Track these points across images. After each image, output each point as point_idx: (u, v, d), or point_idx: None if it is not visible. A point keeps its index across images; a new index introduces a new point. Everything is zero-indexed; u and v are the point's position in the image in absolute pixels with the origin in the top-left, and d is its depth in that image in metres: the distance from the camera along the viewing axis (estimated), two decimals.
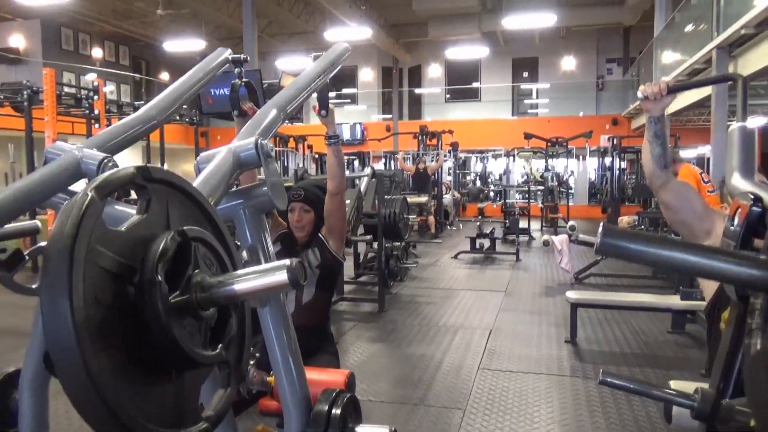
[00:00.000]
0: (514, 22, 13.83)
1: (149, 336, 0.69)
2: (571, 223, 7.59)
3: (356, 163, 17.53)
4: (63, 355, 0.60)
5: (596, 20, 16.77)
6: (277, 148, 13.19)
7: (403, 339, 4.99)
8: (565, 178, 16.16)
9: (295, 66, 17.03)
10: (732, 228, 1.21)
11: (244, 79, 1.83)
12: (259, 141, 1.38)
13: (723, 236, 1.28)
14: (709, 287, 2.05)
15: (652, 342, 4.90)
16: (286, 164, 13.24)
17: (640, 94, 1.82)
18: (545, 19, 13.65)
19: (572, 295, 4.97)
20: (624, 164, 15.06)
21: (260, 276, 0.80)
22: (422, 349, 4.69)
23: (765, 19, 6.35)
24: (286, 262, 0.79)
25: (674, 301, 4.74)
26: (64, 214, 0.65)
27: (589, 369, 4.21)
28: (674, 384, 1.95)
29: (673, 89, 1.83)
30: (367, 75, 21.34)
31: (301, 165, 12.97)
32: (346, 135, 18.73)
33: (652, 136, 1.89)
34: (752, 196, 1.17)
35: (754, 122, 14.88)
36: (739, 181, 1.56)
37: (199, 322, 0.76)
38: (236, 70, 1.87)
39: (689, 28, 10.36)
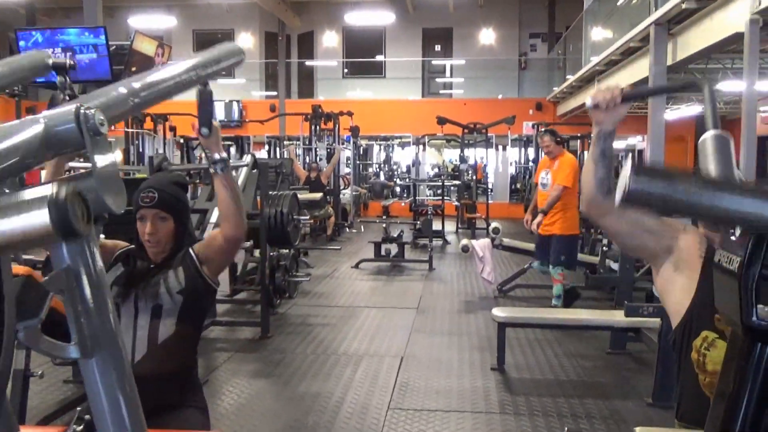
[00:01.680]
0: None
1: None
2: (494, 224, 7.70)
3: (233, 150, 17.04)
4: None
5: None
6: (130, 130, 12.57)
7: (294, 373, 4.84)
8: (484, 170, 16.56)
9: (152, 24, 16.21)
10: (734, 239, 1.14)
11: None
12: (82, 109, 1.12)
13: (721, 248, 1.21)
14: (674, 305, 1.99)
15: (589, 366, 5.02)
16: (141, 150, 12.74)
17: (589, 102, 1.78)
18: None
19: (500, 313, 4.96)
20: None
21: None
22: (318, 386, 4.56)
23: None
24: (48, 188, 0.64)
25: (617, 317, 4.85)
26: None
27: (522, 403, 4.22)
28: (640, 431, 1.88)
29: (629, 96, 1.81)
30: (247, 41, 20.74)
31: (160, 151, 12.36)
32: (220, 116, 18.12)
33: (598, 154, 1.82)
34: None
35: (691, 111, 16.02)
36: None
37: None
38: (59, 79, 1.65)
39: (623, 0, 10.89)
